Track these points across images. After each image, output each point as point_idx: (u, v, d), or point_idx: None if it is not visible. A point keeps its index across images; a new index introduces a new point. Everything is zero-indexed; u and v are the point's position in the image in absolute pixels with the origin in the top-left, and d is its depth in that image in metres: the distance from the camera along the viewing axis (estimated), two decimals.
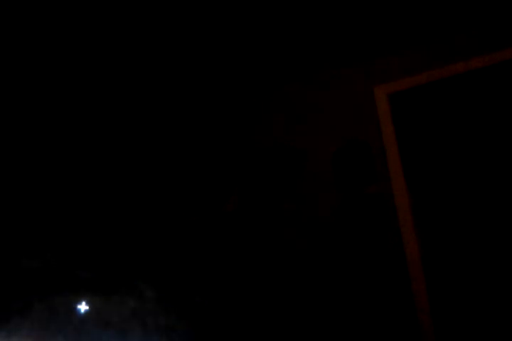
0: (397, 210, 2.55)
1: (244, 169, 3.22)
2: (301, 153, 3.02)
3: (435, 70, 2.70)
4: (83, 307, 3.36)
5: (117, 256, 3.49)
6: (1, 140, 3.64)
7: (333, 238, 2.73)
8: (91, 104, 3.50)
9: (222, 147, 3.39)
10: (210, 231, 3.19)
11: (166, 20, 2.66)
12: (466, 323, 2.31)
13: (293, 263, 2.81)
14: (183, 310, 3.10)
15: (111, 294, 3.38)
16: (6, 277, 3.51)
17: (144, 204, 3.56)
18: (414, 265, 2.42)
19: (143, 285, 3.32)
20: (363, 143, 2.81)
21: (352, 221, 2.70)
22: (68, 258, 3.59)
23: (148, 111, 3.67)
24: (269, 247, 2.93)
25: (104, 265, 3.50)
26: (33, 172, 3.76)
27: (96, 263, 3.53)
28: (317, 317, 2.64)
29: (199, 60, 3.04)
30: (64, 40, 2.79)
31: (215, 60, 3.06)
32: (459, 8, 2.63)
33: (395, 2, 2.56)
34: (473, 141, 2.56)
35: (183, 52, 2.96)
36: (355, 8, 2.60)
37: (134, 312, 3.24)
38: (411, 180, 2.65)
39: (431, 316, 2.32)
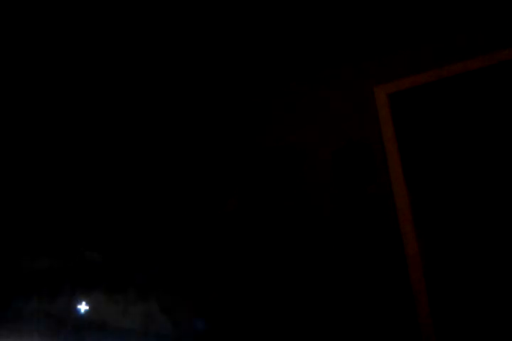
0: (397, 210, 2.56)
1: (243, 169, 3.22)
2: (300, 152, 3.02)
3: (435, 70, 2.70)
4: (83, 307, 3.36)
5: (117, 256, 3.49)
6: (1, 140, 3.64)
7: (333, 238, 2.73)
8: (95, 105, 3.50)
9: (221, 147, 3.39)
10: (211, 232, 3.19)
11: (170, 20, 2.66)
12: (466, 324, 2.31)
13: (293, 264, 2.81)
14: (184, 310, 3.10)
15: (111, 294, 3.38)
16: (6, 277, 3.51)
17: (146, 205, 3.56)
18: (415, 265, 2.42)
19: (143, 285, 3.32)
20: (363, 142, 2.81)
21: (352, 221, 2.70)
22: (69, 258, 3.59)
23: (147, 113, 3.67)
24: (268, 247, 2.93)
25: (103, 264, 3.50)
26: (37, 172, 3.76)
27: (96, 263, 3.53)
28: (317, 318, 2.63)
29: (200, 60, 3.04)
30: (64, 40, 2.78)
31: (215, 60, 3.06)
32: (458, 8, 2.63)
33: (395, 2, 2.56)
34: (473, 140, 2.56)
35: (186, 53, 2.96)
36: (356, 8, 2.60)
37: (134, 312, 3.24)
38: (411, 180, 2.65)
39: (431, 316, 2.32)
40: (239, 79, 3.30)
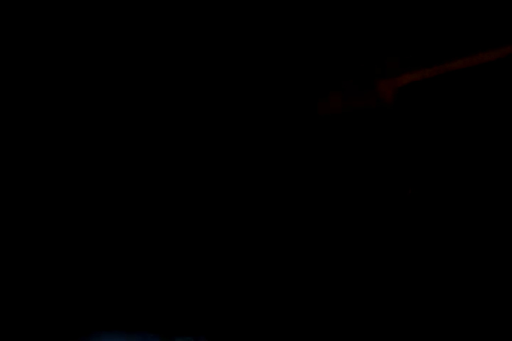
0: (398, 210, 2.54)
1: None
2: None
3: (438, 66, 2.63)
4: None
5: (117, 258, 3.54)
6: (1, 140, 3.69)
7: (333, 238, 2.72)
8: (104, 104, 3.51)
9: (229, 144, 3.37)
10: (210, 232, 3.20)
11: (173, 24, 2.64)
12: (466, 323, 2.30)
13: (293, 264, 2.82)
14: (184, 310, 3.13)
15: (111, 294, 3.43)
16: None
17: (144, 206, 3.58)
18: (414, 263, 2.42)
19: (145, 286, 3.36)
20: (365, 139, 2.77)
21: (352, 220, 2.68)
22: (68, 259, 3.65)
23: (154, 112, 3.67)
24: (268, 248, 2.93)
25: (104, 265, 3.55)
26: (42, 176, 3.82)
27: (97, 264, 3.58)
28: (318, 318, 2.65)
29: (203, 62, 3.02)
30: (64, 40, 2.79)
31: (216, 59, 3.04)
32: (462, 5, 2.56)
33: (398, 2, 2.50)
34: (476, 138, 2.51)
35: (190, 54, 2.94)
36: (356, 8, 2.55)
37: (135, 312, 3.29)
38: (411, 179, 2.61)
39: (431, 316, 2.32)
40: (239, 80, 3.27)
